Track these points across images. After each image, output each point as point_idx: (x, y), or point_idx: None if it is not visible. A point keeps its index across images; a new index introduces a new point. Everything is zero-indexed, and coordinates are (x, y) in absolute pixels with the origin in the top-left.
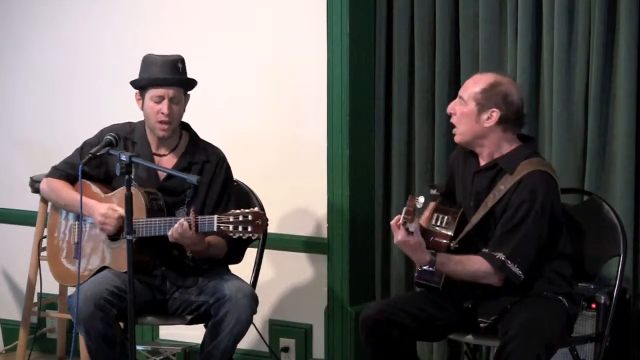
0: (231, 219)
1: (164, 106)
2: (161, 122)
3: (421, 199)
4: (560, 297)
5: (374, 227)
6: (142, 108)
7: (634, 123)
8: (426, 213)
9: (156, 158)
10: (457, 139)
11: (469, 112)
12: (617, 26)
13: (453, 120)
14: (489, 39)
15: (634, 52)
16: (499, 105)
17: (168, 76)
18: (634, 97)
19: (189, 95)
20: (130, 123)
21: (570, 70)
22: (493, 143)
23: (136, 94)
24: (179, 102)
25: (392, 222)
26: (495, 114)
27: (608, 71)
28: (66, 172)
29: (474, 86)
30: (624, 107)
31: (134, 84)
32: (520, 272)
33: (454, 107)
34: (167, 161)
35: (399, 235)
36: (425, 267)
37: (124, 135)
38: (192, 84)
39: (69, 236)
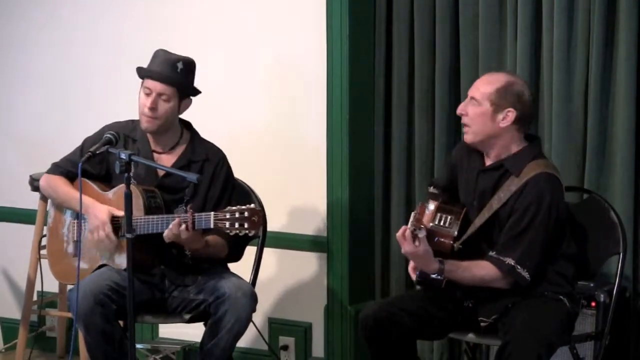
0: (228, 216)
1: (149, 99)
2: (144, 114)
3: (431, 206)
4: (561, 297)
5: (373, 225)
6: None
7: (634, 121)
8: (428, 212)
9: (155, 155)
10: (468, 138)
11: (484, 112)
12: (616, 25)
13: (465, 120)
14: (489, 38)
15: (634, 51)
16: (515, 104)
17: (161, 71)
18: (633, 95)
19: (190, 100)
20: (132, 121)
21: (570, 69)
22: (504, 143)
23: (140, 84)
24: (168, 101)
25: (398, 234)
26: (511, 114)
27: (608, 70)
28: (66, 169)
29: (487, 86)
30: (623, 105)
31: (137, 72)
32: (528, 276)
33: (465, 108)
34: (166, 159)
35: (406, 246)
36: (433, 276)
37: (125, 133)
38: (185, 87)
39: (69, 234)
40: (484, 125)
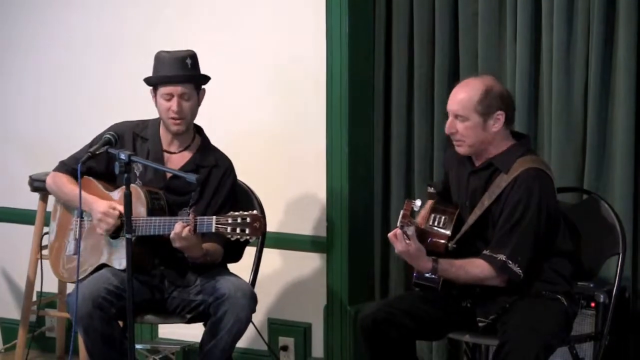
0: (229, 221)
1: (173, 104)
2: (173, 118)
3: (418, 202)
4: (559, 296)
5: (373, 226)
6: (156, 105)
7: (633, 122)
8: (423, 213)
9: (166, 155)
10: (463, 150)
11: (475, 125)
12: (616, 25)
13: (457, 137)
14: (488, 38)
15: (633, 51)
16: (501, 106)
17: (175, 73)
18: (633, 96)
19: (204, 89)
20: (143, 121)
21: (569, 69)
22: (496, 144)
23: (150, 91)
24: (190, 99)
25: (390, 235)
26: (502, 116)
27: (607, 70)
28: (72, 167)
29: (467, 99)
30: (623, 106)
31: (146, 82)
32: (520, 271)
33: (454, 126)
34: (177, 159)
35: (398, 246)
36: (427, 275)
37: (136, 132)
38: (201, 79)
39: (69, 233)
40: (477, 137)
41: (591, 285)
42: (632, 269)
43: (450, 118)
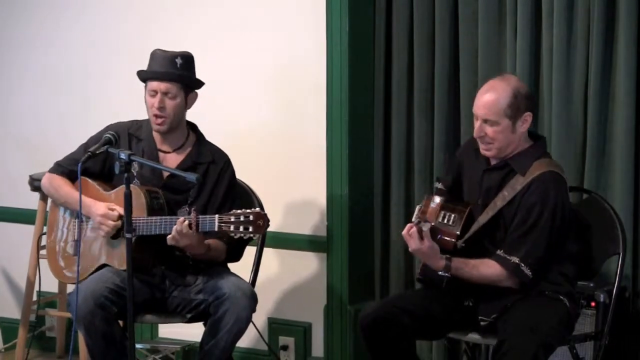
0: (232, 219)
1: (156, 100)
2: (155, 115)
3: (437, 199)
4: (561, 297)
5: (373, 225)
6: (145, 102)
7: (633, 121)
8: (433, 210)
9: (161, 155)
10: (492, 153)
11: (505, 128)
12: (616, 25)
13: (486, 140)
14: (488, 37)
15: (633, 51)
16: (529, 107)
17: (162, 70)
18: (633, 95)
19: (195, 93)
20: (136, 121)
21: (569, 69)
22: (518, 143)
23: (144, 87)
24: (175, 98)
25: (404, 232)
26: (529, 117)
27: (607, 70)
28: (68, 168)
29: (495, 104)
30: (623, 105)
31: (138, 76)
32: (530, 273)
33: (483, 130)
34: (172, 159)
35: (412, 244)
36: (440, 273)
37: (130, 132)
38: (188, 80)
39: (69, 233)
40: (507, 139)
41: (591, 285)
42: (632, 268)
43: (479, 122)
